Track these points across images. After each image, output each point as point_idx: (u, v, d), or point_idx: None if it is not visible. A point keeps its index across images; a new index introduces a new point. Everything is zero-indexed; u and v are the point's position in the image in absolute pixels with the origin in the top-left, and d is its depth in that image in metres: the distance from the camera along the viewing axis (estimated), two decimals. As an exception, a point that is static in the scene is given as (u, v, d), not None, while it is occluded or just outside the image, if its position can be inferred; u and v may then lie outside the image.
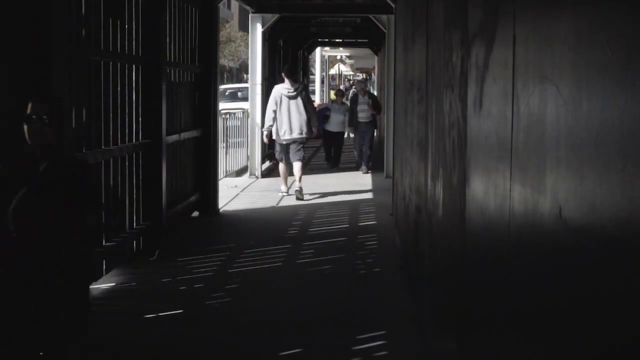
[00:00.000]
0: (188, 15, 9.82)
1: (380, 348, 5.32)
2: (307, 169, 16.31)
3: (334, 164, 16.48)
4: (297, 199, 11.96)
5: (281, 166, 12.38)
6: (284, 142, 11.99)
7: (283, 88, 12.02)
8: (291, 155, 12.05)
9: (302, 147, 12.29)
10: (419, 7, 5.89)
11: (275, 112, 11.91)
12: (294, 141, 11.97)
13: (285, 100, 11.91)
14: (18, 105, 4.99)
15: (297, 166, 12.05)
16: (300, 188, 12.01)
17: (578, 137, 1.58)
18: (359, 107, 15.90)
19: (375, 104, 16.13)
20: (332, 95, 20.29)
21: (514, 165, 2.21)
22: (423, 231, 5.15)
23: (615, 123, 1.36)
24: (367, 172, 15.64)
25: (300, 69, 24.44)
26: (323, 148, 17.51)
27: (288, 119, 11.88)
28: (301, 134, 11.94)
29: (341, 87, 40.71)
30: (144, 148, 8.00)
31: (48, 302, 3.89)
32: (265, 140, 12.70)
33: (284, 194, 12.36)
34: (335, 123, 16.37)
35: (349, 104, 16.97)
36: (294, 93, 11.95)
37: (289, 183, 12.58)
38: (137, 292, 6.70)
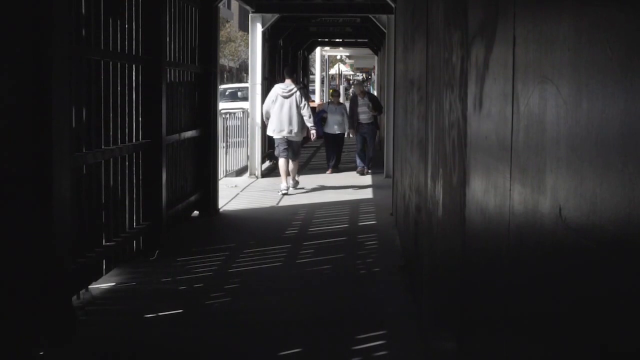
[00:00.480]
0: (188, 15, 9.83)
1: (380, 348, 5.32)
2: (307, 169, 16.34)
3: (334, 166, 16.00)
4: (294, 187, 12.99)
5: (280, 162, 12.91)
6: (277, 138, 12.73)
7: (279, 88, 12.75)
8: (290, 155, 12.77)
9: (298, 146, 12.97)
10: (419, 7, 5.89)
11: (269, 109, 12.71)
12: (285, 139, 12.63)
13: (280, 99, 12.58)
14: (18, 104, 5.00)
15: (291, 164, 12.87)
16: (295, 181, 13.06)
17: (578, 137, 1.58)
18: (359, 109, 15.58)
19: (376, 105, 15.82)
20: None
21: (513, 165, 2.21)
22: (423, 231, 5.15)
23: (615, 123, 1.36)
24: (366, 174, 15.41)
25: (300, 69, 24.46)
26: (325, 152, 16.72)
27: (279, 117, 12.56)
28: (291, 132, 12.57)
29: (341, 87, 40.64)
30: (144, 148, 8.00)
31: None
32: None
33: (284, 191, 12.70)
34: (332, 125, 15.83)
35: (346, 104, 16.66)
36: (288, 94, 12.58)
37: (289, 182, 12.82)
38: (137, 292, 6.70)
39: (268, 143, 16.92)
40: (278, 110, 12.54)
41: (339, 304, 6.37)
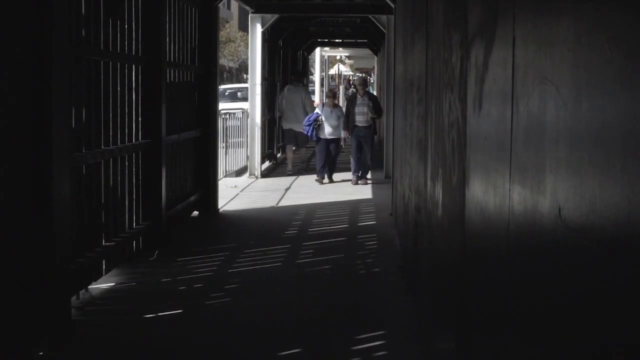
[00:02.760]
0: (188, 16, 9.83)
1: (380, 348, 5.32)
2: (307, 169, 16.33)
3: (328, 175, 14.36)
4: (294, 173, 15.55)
5: (287, 148, 16.10)
6: (286, 129, 15.83)
7: (291, 87, 15.95)
8: (294, 142, 15.73)
9: (301, 137, 15.44)
10: (419, 8, 5.89)
11: (282, 105, 15.84)
12: (294, 130, 15.46)
13: (289, 97, 15.70)
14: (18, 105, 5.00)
15: (289, 151, 15.95)
16: (292, 167, 15.94)
17: (578, 137, 1.58)
18: (357, 109, 13.81)
19: (376, 108, 13.97)
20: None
21: (513, 165, 2.21)
22: (423, 231, 5.16)
23: (614, 123, 1.36)
24: (357, 183, 13.93)
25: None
26: (318, 157, 14.56)
27: (291, 111, 15.63)
28: (299, 124, 15.25)
29: (341, 87, 40.54)
30: (144, 148, 8.00)
31: None
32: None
33: (290, 172, 15.61)
34: (328, 131, 14.15)
35: (343, 107, 14.99)
36: (296, 92, 15.72)
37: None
38: (137, 292, 6.70)
39: (268, 143, 17.01)
40: (290, 105, 15.66)
41: (338, 304, 6.37)
